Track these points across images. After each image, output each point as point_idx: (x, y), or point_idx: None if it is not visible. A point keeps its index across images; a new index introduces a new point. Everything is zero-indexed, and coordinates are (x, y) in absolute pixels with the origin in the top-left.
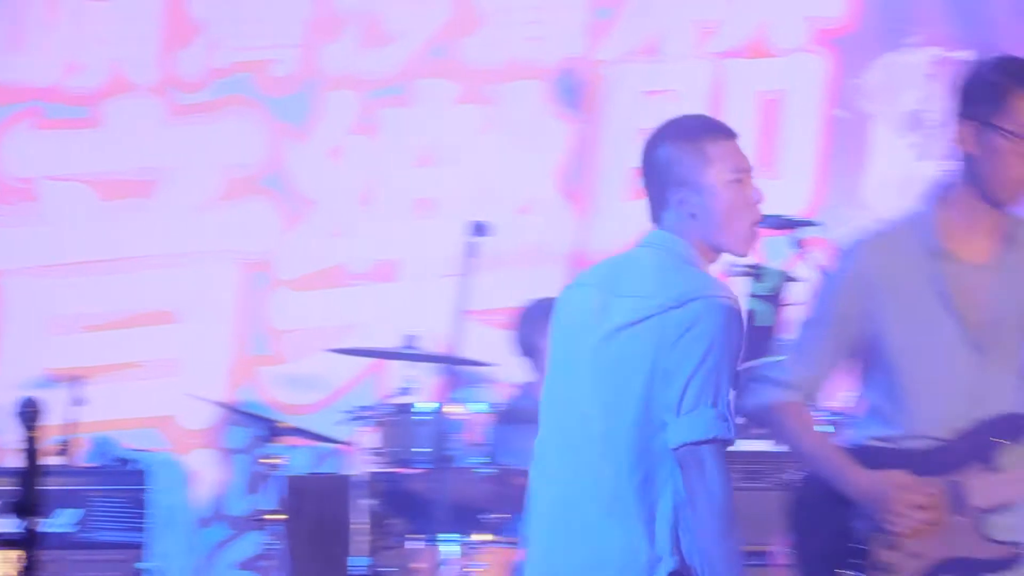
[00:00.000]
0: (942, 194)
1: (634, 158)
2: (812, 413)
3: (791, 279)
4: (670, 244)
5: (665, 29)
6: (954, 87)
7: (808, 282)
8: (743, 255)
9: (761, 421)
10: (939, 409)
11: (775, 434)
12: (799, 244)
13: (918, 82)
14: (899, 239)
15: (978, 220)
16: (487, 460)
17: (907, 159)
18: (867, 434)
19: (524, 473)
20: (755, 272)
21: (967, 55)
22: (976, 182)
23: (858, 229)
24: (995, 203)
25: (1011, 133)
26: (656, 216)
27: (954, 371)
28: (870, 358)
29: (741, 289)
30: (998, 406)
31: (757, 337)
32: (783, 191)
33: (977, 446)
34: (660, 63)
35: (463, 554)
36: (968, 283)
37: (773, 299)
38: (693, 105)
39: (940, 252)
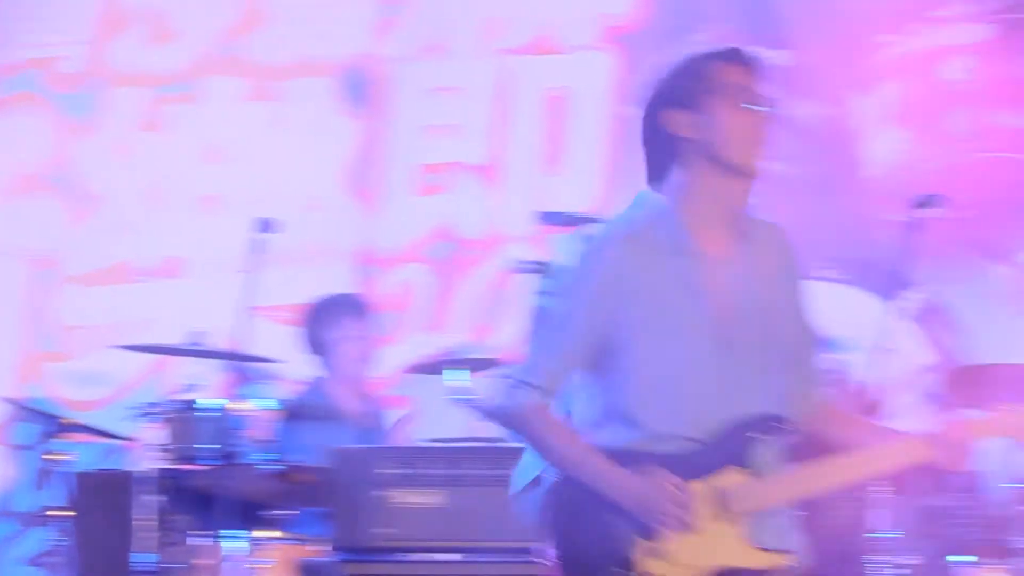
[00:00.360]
0: (681, 188)
1: (421, 154)
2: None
3: None
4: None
5: (451, 26)
6: (649, 95)
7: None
8: None
9: (510, 423)
10: (684, 409)
11: (526, 437)
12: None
13: None
14: (645, 235)
15: (718, 209)
16: (274, 456)
17: None
18: (615, 437)
19: (311, 469)
20: (540, 268)
21: (756, 52)
22: (708, 161)
23: (603, 226)
24: (734, 171)
25: (724, 90)
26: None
27: (698, 369)
28: (616, 358)
29: (529, 285)
30: (747, 403)
31: None
32: (570, 188)
33: (733, 448)
34: (446, 60)
35: (249, 550)
36: (713, 278)
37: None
38: (479, 102)
39: (685, 247)
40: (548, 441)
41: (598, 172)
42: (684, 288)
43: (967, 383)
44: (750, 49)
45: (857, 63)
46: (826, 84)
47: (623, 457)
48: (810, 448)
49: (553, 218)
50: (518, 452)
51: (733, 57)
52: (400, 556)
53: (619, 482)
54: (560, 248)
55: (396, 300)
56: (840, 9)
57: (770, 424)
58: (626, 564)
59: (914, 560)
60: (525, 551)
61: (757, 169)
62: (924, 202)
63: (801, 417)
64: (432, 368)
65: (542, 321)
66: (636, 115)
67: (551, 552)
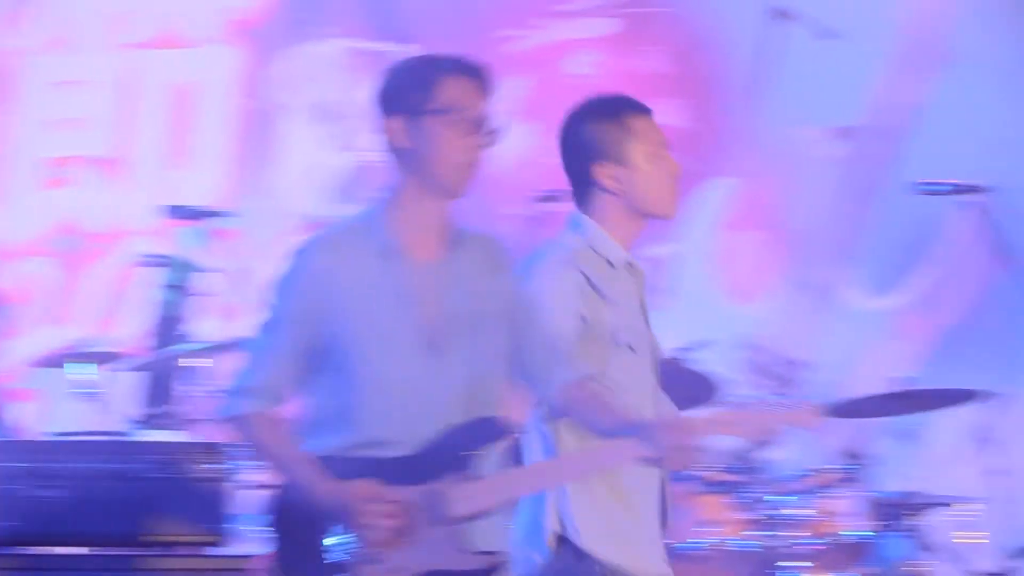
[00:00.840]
0: (391, 193)
1: (45, 148)
2: (283, 420)
3: (200, 269)
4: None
5: (76, 20)
6: (376, 91)
7: (217, 271)
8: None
9: (234, 431)
10: (393, 413)
11: (249, 445)
12: (210, 234)
13: (331, 73)
14: (352, 238)
15: (427, 218)
16: None
17: (319, 149)
18: (325, 443)
19: None
20: (165, 262)
21: (382, 46)
22: (419, 175)
23: (313, 229)
24: (443, 192)
25: (444, 111)
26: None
27: (406, 373)
28: (324, 363)
29: (153, 279)
30: (461, 408)
31: (167, 326)
32: (194, 182)
33: (449, 453)
34: (71, 54)
35: None
36: (420, 282)
37: (181, 289)
38: (104, 96)
39: (391, 251)
40: (266, 448)
41: (223, 165)
42: (391, 292)
43: None
44: (482, 64)
45: (481, 57)
46: None
47: (341, 461)
48: None
49: (178, 212)
50: (143, 446)
51: (463, 71)
52: (24, 550)
53: (330, 490)
54: (184, 241)
55: (20, 293)
56: (465, 4)
57: (483, 430)
58: (341, 570)
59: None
60: (154, 544)
61: (464, 192)
62: (550, 197)
63: (542, 407)
64: (56, 361)
65: (259, 326)
66: (256, 109)
67: (272, 555)
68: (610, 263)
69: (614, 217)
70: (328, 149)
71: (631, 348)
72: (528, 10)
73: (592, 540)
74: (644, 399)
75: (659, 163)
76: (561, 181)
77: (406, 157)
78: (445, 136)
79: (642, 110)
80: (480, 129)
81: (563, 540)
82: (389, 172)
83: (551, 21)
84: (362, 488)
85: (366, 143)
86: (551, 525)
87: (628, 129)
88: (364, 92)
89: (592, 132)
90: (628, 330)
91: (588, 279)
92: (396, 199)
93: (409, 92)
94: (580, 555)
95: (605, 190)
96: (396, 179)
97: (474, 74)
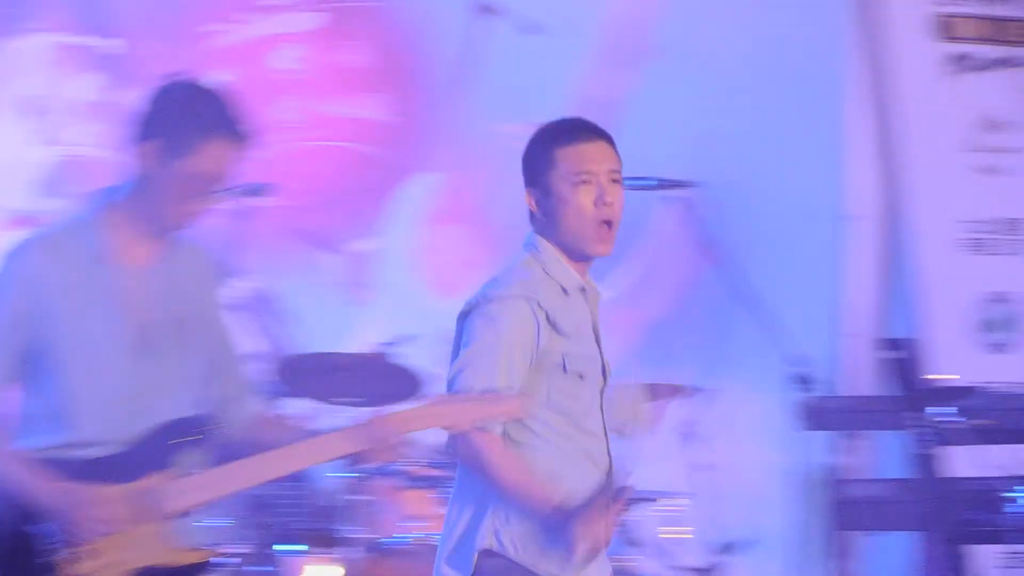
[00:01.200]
0: (112, 201)
1: None
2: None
3: None
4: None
5: None
6: (143, 109)
7: None
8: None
9: None
10: (104, 413)
11: None
12: None
13: (37, 67)
14: (65, 242)
15: (142, 229)
16: None
17: (25, 144)
18: (37, 442)
19: None
20: None
21: (88, 41)
22: (146, 204)
23: (19, 224)
24: (161, 227)
25: (197, 170)
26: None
27: (117, 374)
28: (37, 364)
29: None
30: (168, 408)
31: None
32: None
33: (158, 450)
34: None
35: None
36: (132, 286)
37: None
38: None
39: (103, 256)
40: None
41: None
42: (102, 296)
43: (297, 372)
44: (251, 132)
45: (186, 52)
46: (156, 73)
47: (49, 461)
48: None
49: None
50: None
51: (231, 138)
52: None
53: (39, 487)
54: None
55: None
56: None
57: (191, 427)
58: (50, 568)
59: (243, 549)
60: None
61: (180, 228)
62: (252, 191)
63: (231, 423)
64: None
65: None
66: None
67: None
68: (563, 289)
69: (553, 242)
70: (34, 144)
71: (580, 376)
72: (231, 5)
73: (534, 558)
74: (595, 424)
75: (580, 195)
76: (263, 174)
77: (143, 182)
78: (185, 187)
79: (584, 137)
80: (219, 188)
81: (492, 555)
82: (117, 178)
83: (255, 16)
84: (76, 486)
85: (72, 138)
86: (483, 543)
87: (553, 157)
88: (70, 87)
89: (526, 156)
90: (579, 358)
91: (545, 314)
92: (116, 209)
93: (173, 130)
94: (515, 569)
95: (535, 216)
96: (123, 191)
97: (239, 142)
